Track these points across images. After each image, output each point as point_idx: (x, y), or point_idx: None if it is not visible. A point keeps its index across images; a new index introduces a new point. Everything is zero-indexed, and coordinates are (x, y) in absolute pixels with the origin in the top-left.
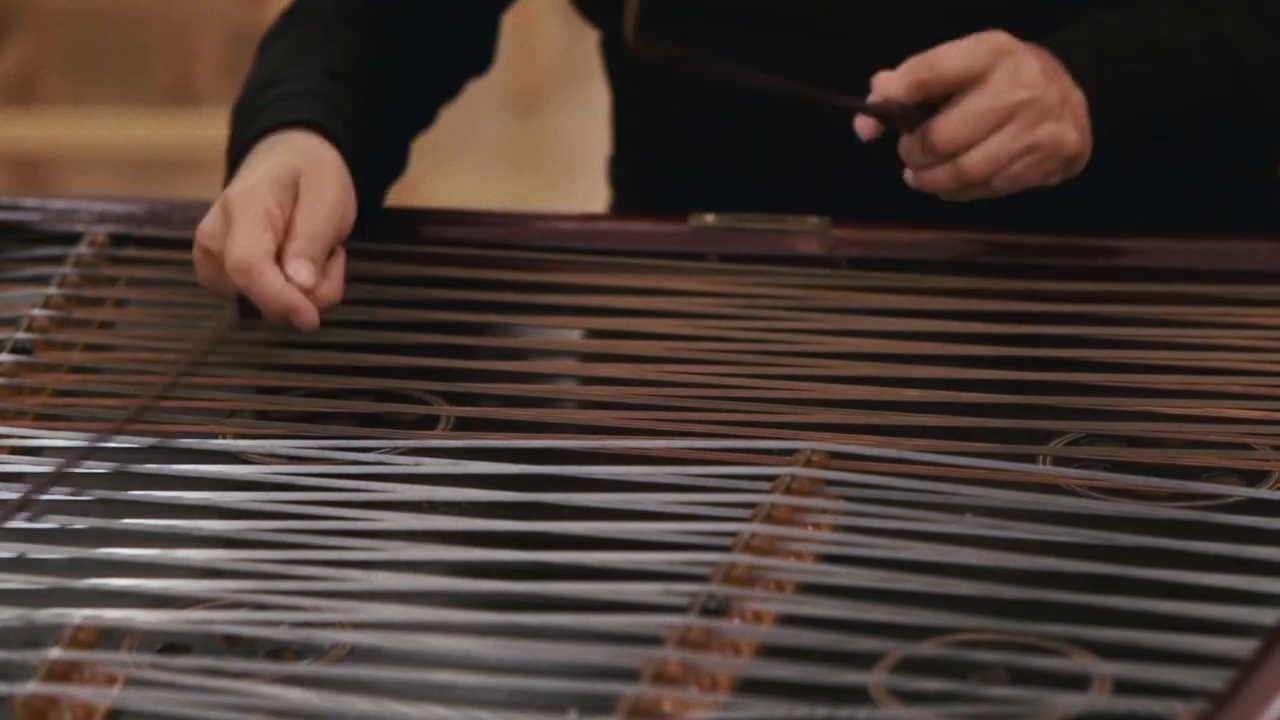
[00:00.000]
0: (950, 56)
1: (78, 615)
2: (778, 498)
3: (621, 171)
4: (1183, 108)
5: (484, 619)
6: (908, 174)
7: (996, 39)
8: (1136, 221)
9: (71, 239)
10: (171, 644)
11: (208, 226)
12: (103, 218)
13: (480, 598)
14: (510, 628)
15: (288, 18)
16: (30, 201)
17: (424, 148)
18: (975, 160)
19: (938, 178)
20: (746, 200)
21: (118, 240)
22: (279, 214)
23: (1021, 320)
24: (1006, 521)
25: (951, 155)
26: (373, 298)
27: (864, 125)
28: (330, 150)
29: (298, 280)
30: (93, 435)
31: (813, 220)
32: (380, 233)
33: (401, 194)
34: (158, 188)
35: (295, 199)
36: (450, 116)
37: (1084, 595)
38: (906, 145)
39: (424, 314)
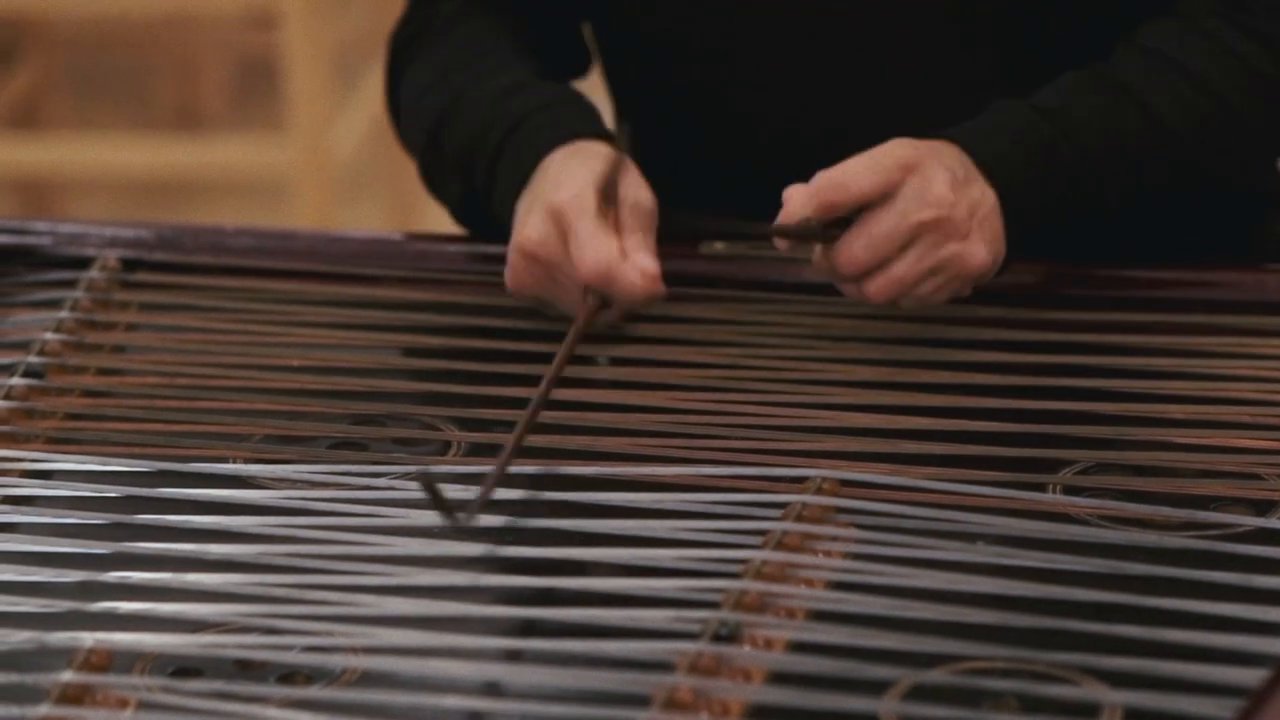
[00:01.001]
0: (858, 176)
1: (90, 638)
2: (789, 525)
3: None
4: (1101, 173)
5: (495, 644)
6: None
7: (904, 153)
8: (1143, 251)
9: (82, 263)
10: (183, 667)
11: (537, 236)
12: (113, 242)
13: (491, 623)
14: (521, 653)
15: (424, 45)
16: (41, 226)
17: None
18: (879, 285)
19: (849, 293)
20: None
21: (129, 265)
22: (610, 215)
23: (1031, 349)
24: (1017, 550)
25: (857, 277)
26: (383, 323)
27: (780, 244)
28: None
29: (651, 271)
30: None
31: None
32: (388, 258)
33: (407, 219)
34: (164, 212)
35: (616, 200)
36: None
37: (1094, 624)
38: (817, 262)
39: (434, 340)
